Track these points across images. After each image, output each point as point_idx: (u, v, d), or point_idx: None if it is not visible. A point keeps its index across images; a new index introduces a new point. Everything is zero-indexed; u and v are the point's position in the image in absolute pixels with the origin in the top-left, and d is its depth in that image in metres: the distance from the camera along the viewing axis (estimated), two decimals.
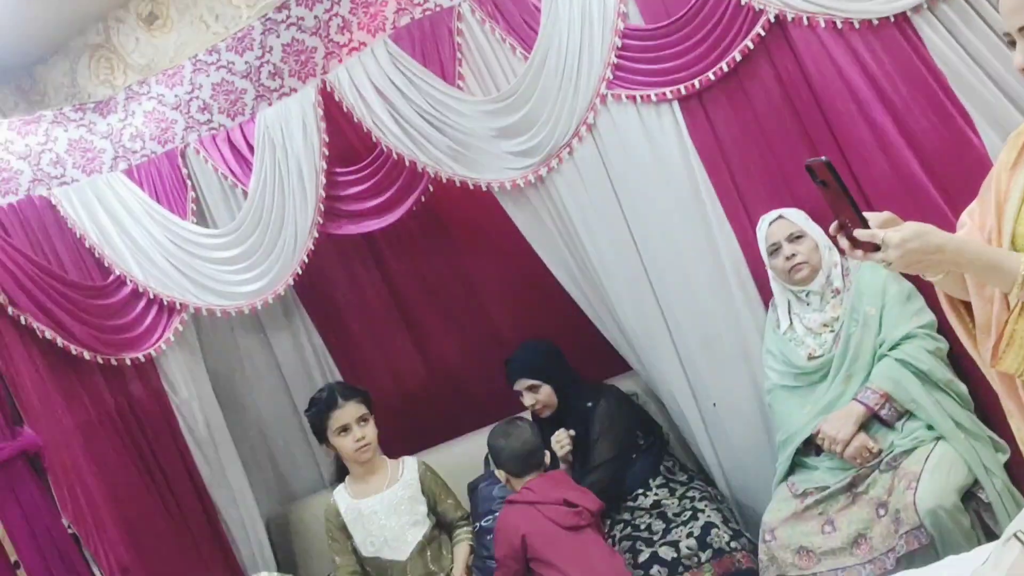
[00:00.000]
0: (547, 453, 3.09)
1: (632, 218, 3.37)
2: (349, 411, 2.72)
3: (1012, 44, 1.70)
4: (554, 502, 2.91)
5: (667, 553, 2.97)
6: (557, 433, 3.27)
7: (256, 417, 4.15)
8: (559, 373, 3.39)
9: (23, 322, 3.16)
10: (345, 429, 2.68)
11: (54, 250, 3.46)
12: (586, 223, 3.42)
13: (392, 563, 2.69)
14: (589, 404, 3.34)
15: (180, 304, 3.68)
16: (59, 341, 3.25)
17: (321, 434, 2.77)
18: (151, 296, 3.62)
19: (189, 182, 3.83)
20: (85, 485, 3.14)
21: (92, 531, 3.06)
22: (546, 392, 3.32)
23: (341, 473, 2.91)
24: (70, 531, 3.00)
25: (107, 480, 3.25)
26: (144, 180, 3.76)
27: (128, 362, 3.50)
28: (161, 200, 3.75)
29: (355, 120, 3.51)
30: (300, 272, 3.72)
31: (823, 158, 1.65)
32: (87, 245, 3.56)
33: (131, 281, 3.59)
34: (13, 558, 2.77)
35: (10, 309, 3.12)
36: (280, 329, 4.11)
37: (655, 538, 3.06)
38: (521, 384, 3.34)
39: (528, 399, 3.33)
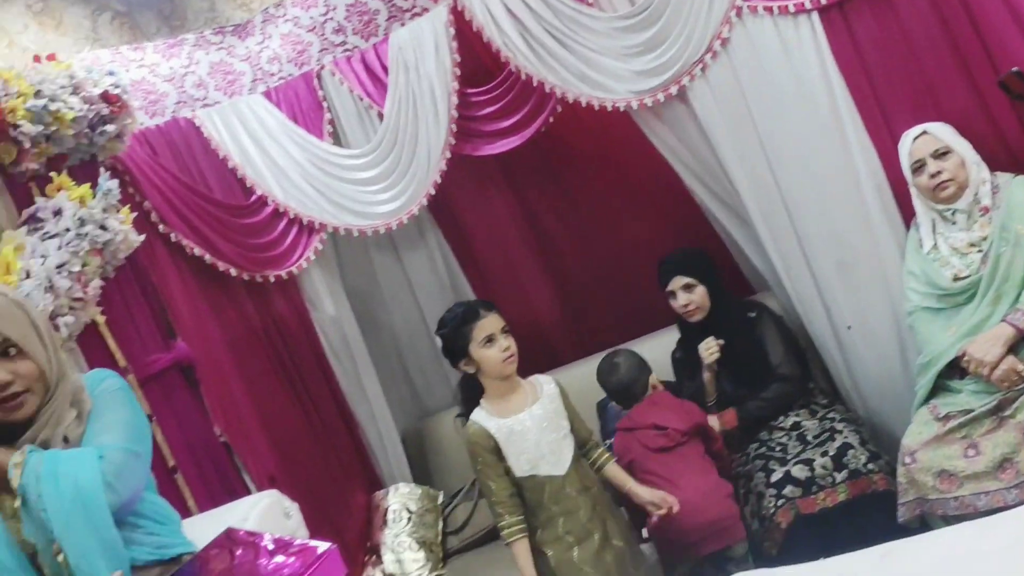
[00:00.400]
0: (650, 379, 3.11)
1: (767, 137, 3.26)
2: (493, 321, 2.62)
3: None
4: (645, 426, 2.99)
5: (801, 472, 2.93)
6: (707, 340, 3.22)
7: (391, 335, 4.25)
8: (714, 277, 3.34)
9: (173, 239, 3.28)
10: (490, 340, 2.57)
11: (200, 170, 3.57)
12: (719, 142, 3.33)
13: (549, 479, 2.58)
14: (752, 314, 3.29)
15: (319, 224, 3.77)
16: (207, 258, 3.37)
17: (460, 351, 2.63)
18: (291, 216, 3.72)
19: (325, 104, 3.90)
20: (234, 397, 3.28)
21: (241, 440, 3.20)
22: (700, 293, 3.26)
23: (471, 397, 2.75)
24: (221, 440, 3.15)
25: (254, 392, 3.39)
26: (282, 102, 3.85)
27: (271, 279, 3.61)
28: (299, 122, 3.83)
29: (485, 40, 3.49)
30: (433, 192, 3.77)
31: (1015, 69, 1.52)
32: (230, 166, 3.66)
33: (272, 201, 3.69)
34: (171, 463, 2.92)
35: (161, 227, 3.24)
36: (414, 249, 4.17)
37: (788, 457, 3.03)
38: (677, 283, 3.27)
39: (682, 298, 3.26)
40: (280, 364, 3.60)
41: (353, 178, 3.82)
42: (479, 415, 2.65)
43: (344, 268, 4.09)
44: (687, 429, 2.97)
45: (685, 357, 3.39)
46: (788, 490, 2.90)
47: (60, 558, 1.74)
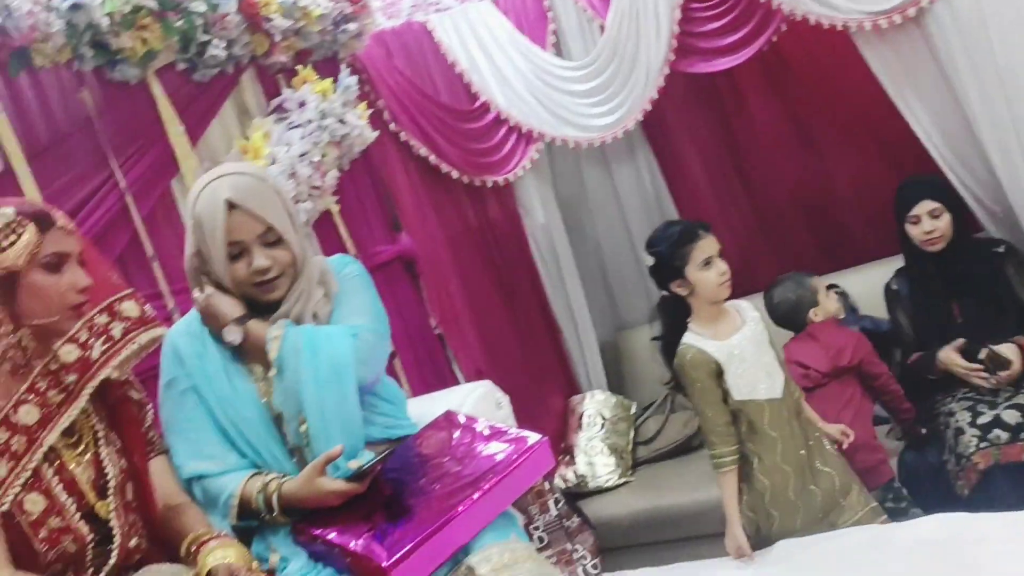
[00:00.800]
0: (811, 312, 3.01)
1: (1006, 71, 3.02)
2: (711, 244, 2.51)
3: None
4: (791, 362, 2.91)
5: (1011, 417, 2.79)
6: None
7: (596, 246, 4.31)
8: (961, 206, 3.15)
9: (402, 139, 3.41)
10: (708, 262, 2.49)
11: (429, 74, 3.67)
12: (956, 73, 3.12)
13: (769, 402, 2.48)
14: (999, 249, 3.10)
15: (538, 133, 3.84)
16: (432, 159, 3.49)
17: (675, 271, 2.51)
18: (512, 124, 3.80)
19: (549, 14, 3.96)
20: (449, 292, 3.43)
21: (454, 333, 3.36)
22: (946, 221, 3.05)
23: (673, 321, 2.63)
24: (436, 332, 3.31)
25: (468, 290, 3.53)
26: (510, 10, 3.91)
27: (489, 184, 3.71)
28: (524, 31, 3.89)
29: None
30: (649, 108, 3.75)
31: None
32: (457, 71, 3.75)
33: (495, 108, 3.77)
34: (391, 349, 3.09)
35: (392, 125, 3.38)
36: (624, 164, 4.18)
37: (999, 401, 2.89)
38: (924, 207, 3.05)
39: (927, 224, 3.03)
40: (492, 265, 3.73)
41: (572, 90, 3.86)
42: (694, 339, 2.53)
43: (556, 178, 4.16)
44: (828, 371, 2.87)
45: (910, 290, 3.21)
46: (994, 434, 2.77)
47: (303, 428, 1.89)
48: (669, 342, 2.64)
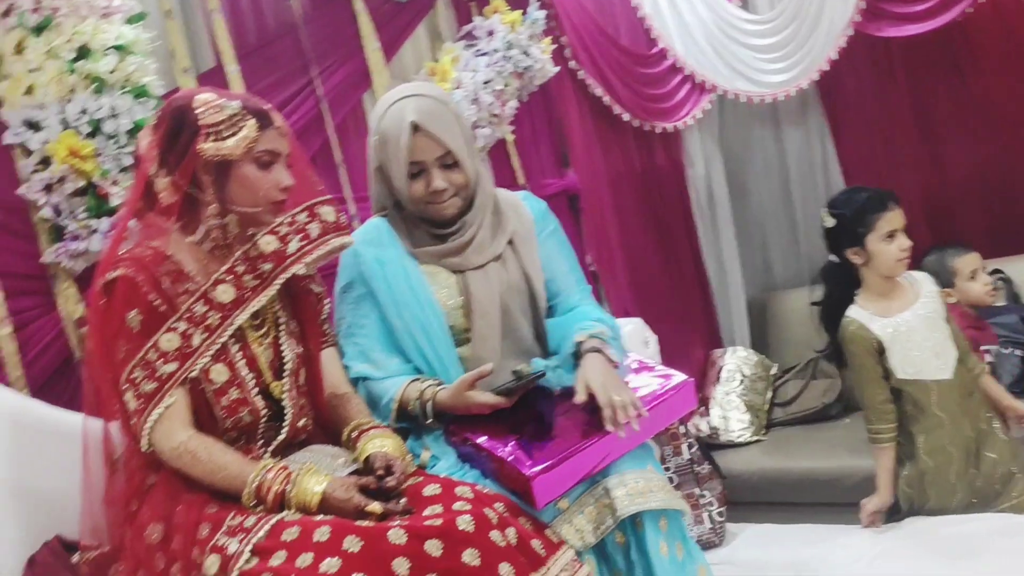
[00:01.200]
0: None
1: None
2: (898, 217, 2.43)
3: None
4: None
5: None
6: None
7: (755, 205, 4.27)
8: None
9: (580, 77, 3.45)
10: (892, 235, 2.43)
11: (613, 16, 3.67)
12: None
13: (936, 383, 2.42)
14: None
15: (711, 84, 3.81)
16: (605, 99, 3.51)
17: (855, 238, 2.44)
18: (687, 73, 3.78)
19: None
20: (607, 231, 3.47)
21: (608, 271, 3.41)
22: None
23: (839, 289, 2.57)
24: (591, 268, 3.36)
25: (625, 231, 3.56)
26: None
27: (657, 130, 3.71)
28: None
29: None
30: (827, 68, 3.68)
31: None
32: (639, 15, 3.73)
33: (672, 56, 3.75)
34: None
35: (572, 62, 3.41)
36: (793, 124, 4.11)
37: None
38: None
39: None
40: (650, 210, 3.74)
41: (751, 44, 3.81)
42: (859, 314, 2.48)
43: (724, 132, 4.13)
44: None
45: None
46: None
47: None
48: (830, 309, 2.59)
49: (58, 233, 2.12)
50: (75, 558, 1.79)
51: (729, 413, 3.66)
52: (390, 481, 1.64)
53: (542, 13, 3.13)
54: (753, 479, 3.39)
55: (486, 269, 2.04)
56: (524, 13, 3.09)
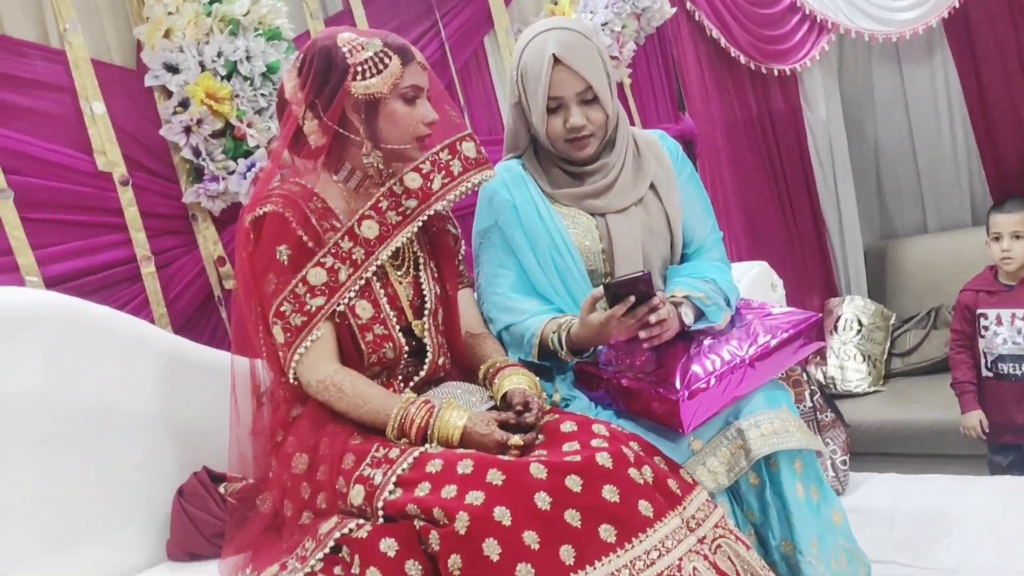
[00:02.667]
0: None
1: None
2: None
3: None
4: None
5: None
6: None
7: (874, 149, 4.13)
8: None
9: (696, 19, 3.36)
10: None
11: None
12: None
13: None
14: None
15: (832, 24, 3.67)
16: (722, 42, 3.42)
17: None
18: (806, 12, 3.65)
19: None
20: (723, 176, 3.40)
21: (724, 217, 3.33)
22: None
23: None
24: None
25: (740, 176, 3.49)
26: None
27: (775, 73, 3.61)
28: None
29: None
30: (957, 6, 3.50)
31: None
32: None
33: None
34: None
35: (688, 4, 3.32)
36: (918, 64, 3.95)
37: None
38: None
39: None
40: (766, 155, 3.66)
41: None
42: None
43: (843, 74, 3.99)
44: None
45: None
46: None
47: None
48: None
49: (198, 174, 2.16)
50: (221, 488, 1.85)
51: (846, 363, 3.58)
52: (529, 417, 1.64)
53: None
54: (871, 430, 3.32)
55: (628, 212, 1.98)
56: None
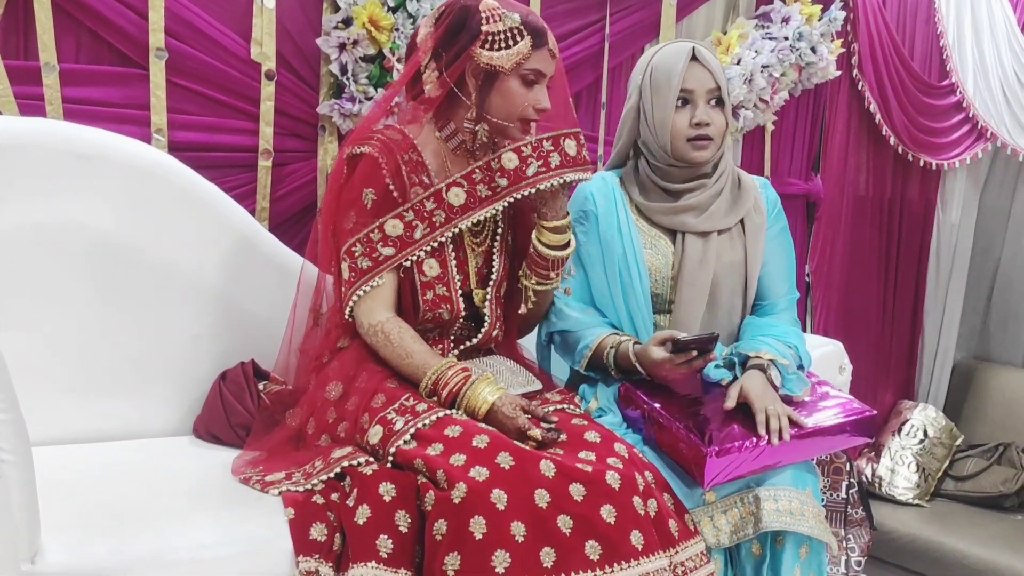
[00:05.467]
0: None
1: None
2: None
3: None
4: None
5: None
6: None
7: (994, 268, 3.95)
8: None
9: (859, 88, 3.25)
10: None
11: (912, 35, 3.43)
12: None
13: None
14: None
15: (991, 134, 3.53)
16: (877, 118, 3.30)
17: None
18: (970, 115, 3.51)
19: None
20: (835, 246, 3.32)
21: (822, 287, 3.26)
22: None
23: None
24: (807, 278, 3.21)
25: (853, 252, 3.40)
26: (1018, 3, 3.56)
27: (920, 163, 3.48)
28: None
29: None
30: None
31: None
32: (940, 43, 3.48)
33: (960, 93, 3.49)
34: None
35: (855, 71, 3.21)
36: None
37: None
38: None
39: None
40: (886, 239, 3.54)
41: None
42: None
43: (988, 185, 3.84)
44: None
45: None
46: None
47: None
48: None
49: (338, 90, 2.20)
50: (261, 385, 1.90)
51: (899, 468, 3.46)
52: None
53: (842, 14, 2.97)
54: (903, 540, 3.21)
55: (709, 239, 1.96)
56: (824, 9, 2.94)
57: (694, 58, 1.92)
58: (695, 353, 1.78)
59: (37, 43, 1.88)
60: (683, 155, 1.95)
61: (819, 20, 2.92)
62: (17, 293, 1.77)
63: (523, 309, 1.86)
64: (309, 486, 1.54)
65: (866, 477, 3.46)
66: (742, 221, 2.01)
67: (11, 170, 1.75)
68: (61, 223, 1.80)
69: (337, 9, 2.16)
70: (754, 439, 1.73)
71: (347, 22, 2.16)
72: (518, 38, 1.70)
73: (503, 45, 1.69)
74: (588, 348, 1.92)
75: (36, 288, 1.79)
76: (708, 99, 1.93)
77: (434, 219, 1.73)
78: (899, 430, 3.55)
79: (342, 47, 2.17)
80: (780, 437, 1.74)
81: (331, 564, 1.45)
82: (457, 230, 1.75)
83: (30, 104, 1.88)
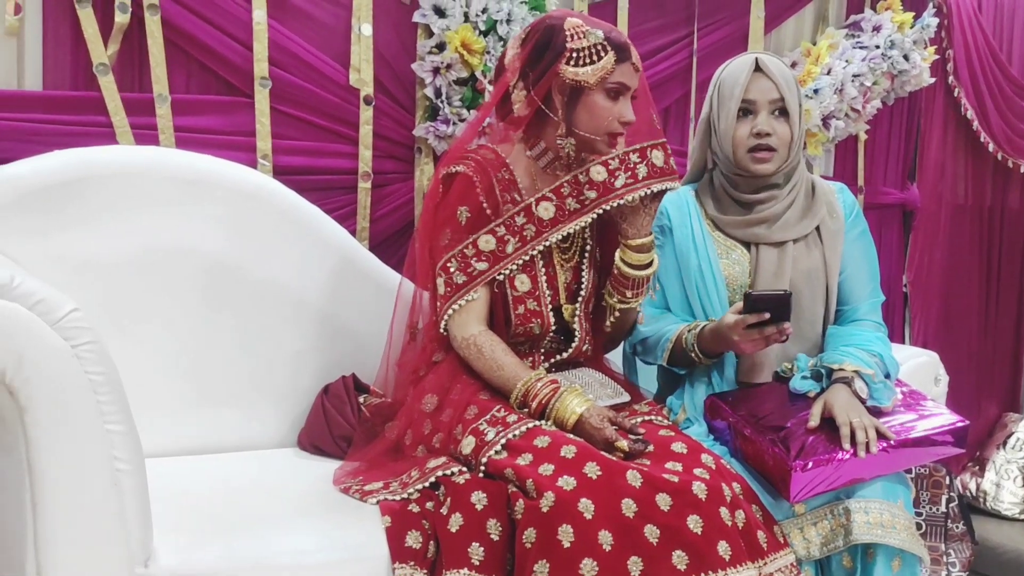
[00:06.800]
0: None
1: None
2: None
3: None
4: None
5: None
6: None
7: None
8: None
9: (955, 95, 3.17)
10: None
11: (1010, 40, 3.34)
12: None
13: None
14: None
15: None
16: (975, 124, 3.22)
17: None
18: None
19: None
20: (933, 256, 3.24)
21: (920, 297, 3.19)
22: None
23: None
24: (904, 288, 3.15)
25: (952, 262, 3.31)
26: None
27: (1021, 169, 3.37)
28: None
29: None
30: None
31: None
32: None
33: None
34: None
35: (950, 78, 3.14)
36: None
37: None
38: None
39: None
40: (987, 248, 3.44)
41: None
42: None
43: None
44: None
45: None
46: None
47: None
48: None
49: (433, 112, 2.27)
50: (362, 398, 1.97)
51: (1004, 482, 3.35)
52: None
53: (935, 21, 2.92)
54: (1006, 556, 3.10)
55: (784, 249, 1.95)
56: (917, 16, 2.89)
57: (757, 68, 1.93)
58: (768, 317, 1.76)
59: (151, 76, 2.00)
60: (745, 166, 1.95)
61: (911, 27, 2.87)
62: (133, 313, 1.87)
63: (607, 325, 1.88)
64: (405, 495, 1.58)
65: (970, 492, 3.35)
66: (818, 228, 1.99)
67: (128, 197, 1.86)
68: (174, 246, 1.90)
69: (431, 35, 2.23)
70: (841, 452, 1.71)
71: (440, 47, 2.22)
72: (602, 53, 1.73)
73: (588, 61, 1.73)
74: (669, 341, 1.93)
75: (151, 308, 1.89)
76: (771, 109, 1.93)
77: (525, 233, 1.76)
78: (1004, 443, 3.43)
79: (436, 71, 2.24)
80: (867, 450, 1.72)
81: (425, 571, 1.49)
82: (547, 244, 1.78)
83: (145, 134, 2.00)
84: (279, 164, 2.13)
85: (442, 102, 2.25)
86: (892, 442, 1.76)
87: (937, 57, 3.00)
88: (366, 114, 2.23)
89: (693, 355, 1.90)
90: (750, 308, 1.77)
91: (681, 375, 2.01)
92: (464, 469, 1.60)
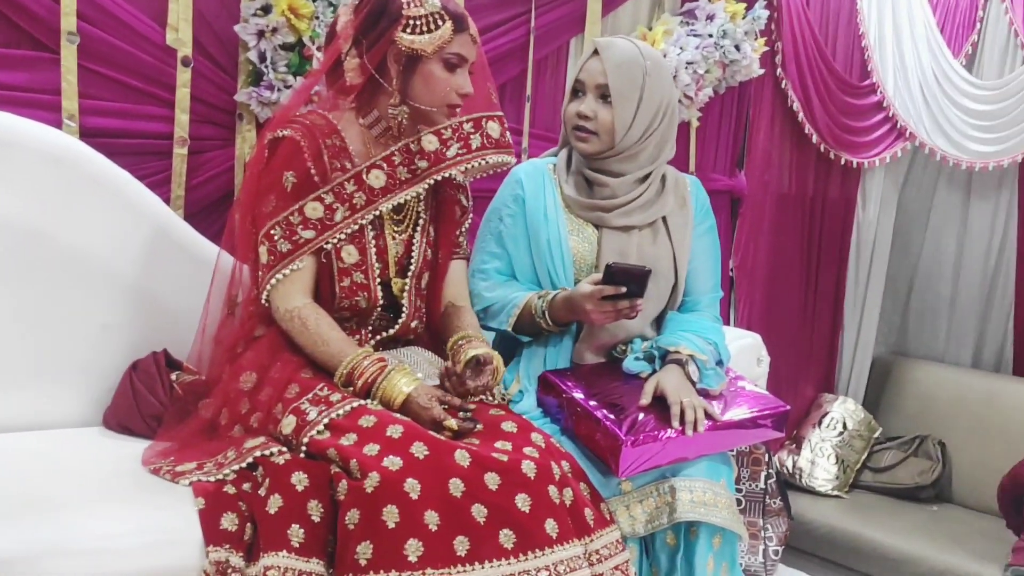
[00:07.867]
0: None
1: None
2: None
3: None
4: None
5: None
6: None
7: (914, 266, 4.07)
8: None
9: (782, 86, 3.32)
10: None
11: (834, 35, 3.51)
12: None
13: None
14: None
15: (910, 134, 3.63)
16: (800, 116, 3.38)
17: None
18: (890, 114, 3.61)
19: (978, 25, 3.74)
20: (758, 242, 3.38)
21: (745, 282, 3.33)
22: None
23: None
24: (731, 273, 3.27)
25: (776, 248, 3.47)
26: (938, 6, 3.68)
27: (842, 161, 3.57)
28: (944, 30, 3.68)
29: None
30: None
31: None
32: (862, 43, 3.57)
33: (881, 92, 3.58)
34: None
35: (778, 70, 3.28)
36: (983, 199, 3.87)
37: None
38: None
39: None
40: (808, 236, 3.63)
41: (965, 106, 3.63)
42: None
43: (907, 184, 3.95)
44: None
45: None
46: None
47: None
48: None
49: (256, 77, 2.18)
50: (174, 375, 1.88)
51: (818, 460, 3.56)
52: (481, 379, 1.73)
53: (765, 13, 3.04)
54: (819, 532, 3.30)
55: (630, 234, 2.00)
56: (748, 8, 3.01)
57: (596, 52, 1.96)
58: (624, 291, 1.79)
59: None
60: (575, 144, 2.00)
61: (743, 18, 2.98)
62: None
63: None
64: (220, 476, 1.53)
65: (787, 469, 3.55)
66: (665, 219, 2.04)
67: None
68: None
69: None
70: (669, 430, 1.77)
71: (266, 9, 2.13)
72: (440, 22, 1.72)
73: (425, 29, 1.71)
74: (516, 307, 1.93)
75: None
76: (597, 93, 1.96)
77: (354, 201, 1.73)
78: (819, 423, 3.64)
79: (261, 34, 2.14)
80: (695, 429, 1.78)
81: (241, 554, 1.44)
82: (378, 213, 1.75)
83: None
84: (87, 125, 2.00)
85: (267, 67, 2.16)
86: (718, 422, 1.83)
87: (767, 49, 3.12)
88: (183, 76, 2.11)
89: (542, 322, 1.92)
90: (608, 279, 1.80)
91: (517, 347, 2.02)
92: (284, 449, 1.55)
